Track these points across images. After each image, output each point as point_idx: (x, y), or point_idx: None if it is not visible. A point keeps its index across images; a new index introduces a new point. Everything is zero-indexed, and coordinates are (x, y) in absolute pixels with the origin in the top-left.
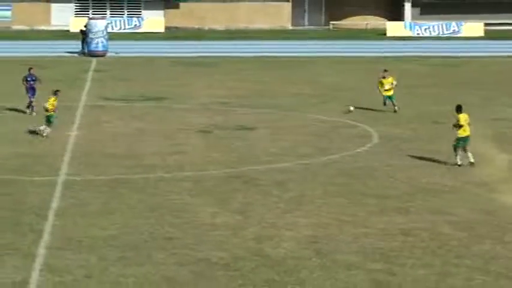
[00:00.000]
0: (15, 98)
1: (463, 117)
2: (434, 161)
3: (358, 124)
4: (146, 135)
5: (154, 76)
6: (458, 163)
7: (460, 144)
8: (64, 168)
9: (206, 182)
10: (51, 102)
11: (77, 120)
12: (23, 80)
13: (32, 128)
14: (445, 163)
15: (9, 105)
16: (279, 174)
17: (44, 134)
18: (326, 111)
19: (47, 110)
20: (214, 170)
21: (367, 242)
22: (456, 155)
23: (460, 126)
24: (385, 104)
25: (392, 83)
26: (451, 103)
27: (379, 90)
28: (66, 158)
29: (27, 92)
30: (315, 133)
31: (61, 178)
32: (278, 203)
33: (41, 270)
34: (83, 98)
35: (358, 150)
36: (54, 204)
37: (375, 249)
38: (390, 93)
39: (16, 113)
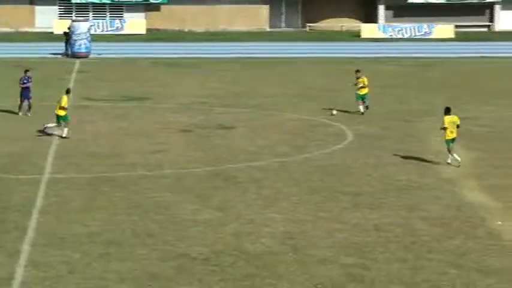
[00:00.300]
0: (1, 98)
1: (448, 120)
2: (406, 158)
3: (333, 123)
4: (128, 135)
5: (136, 77)
6: (448, 161)
7: (450, 145)
8: (48, 167)
9: (187, 179)
10: (65, 101)
11: None
12: (20, 82)
13: (49, 131)
14: (416, 161)
15: None
16: (257, 172)
17: (64, 135)
18: (302, 111)
19: (63, 109)
20: (195, 168)
21: (342, 237)
22: (450, 155)
23: (444, 129)
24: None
25: (364, 83)
26: (421, 102)
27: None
28: (50, 157)
29: (22, 93)
30: (291, 132)
31: (45, 176)
32: (256, 200)
33: (25, 266)
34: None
35: (334, 148)
36: (38, 202)
37: (349, 244)
38: (364, 91)
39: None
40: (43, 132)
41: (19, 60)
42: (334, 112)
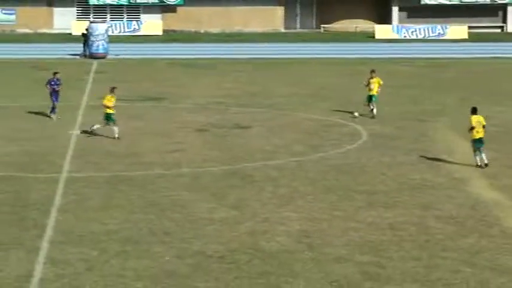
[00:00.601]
0: (21, 98)
1: (475, 119)
2: (420, 158)
3: (348, 123)
4: (145, 134)
5: (153, 77)
6: (478, 163)
7: (476, 145)
8: (66, 166)
9: (203, 178)
10: (108, 99)
11: (79, 119)
12: (47, 84)
13: (92, 129)
14: (430, 160)
15: (15, 105)
16: (272, 170)
17: (116, 135)
18: (317, 111)
19: (108, 107)
20: (211, 166)
21: (357, 236)
22: (475, 156)
23: (472, 128)
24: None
25: (379, 84)
26: (434, 103)
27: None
28: (69, 155)
29: (51, 96)
30: (307, 131)
31: (63, 175)
32: (272, 199)
33: (44, 264)
34: (85, 98)
35: (348, 147)
36: (57, 200)
37: (365, 243)
38: (373, 92)
39: (19, 112)
40: (90, 133)
41: (36, 61)
42: (356, 114)
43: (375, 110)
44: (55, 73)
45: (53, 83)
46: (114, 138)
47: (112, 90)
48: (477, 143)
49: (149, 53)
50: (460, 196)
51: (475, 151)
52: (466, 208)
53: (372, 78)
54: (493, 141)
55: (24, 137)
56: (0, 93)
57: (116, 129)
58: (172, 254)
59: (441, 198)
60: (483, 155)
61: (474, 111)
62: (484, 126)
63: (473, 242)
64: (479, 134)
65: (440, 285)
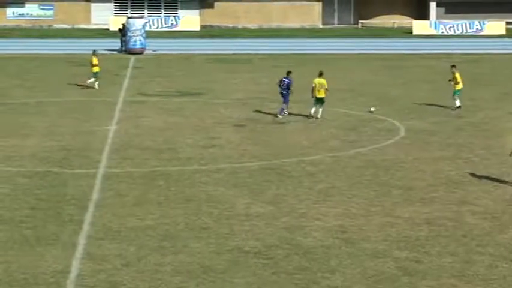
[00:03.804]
0: (58, 94)
1: None
2: (457, 153)
3: (386, 118)
4: (182, 129)
5: (190, 73)
6: None
7: None
8: (103, 161)
9: (240, 173)
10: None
11: (116, 114)
12: (280, 83)
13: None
14: (467, 155)
15: (52, 100)
16: (310, 166)
17: (318, 116)
18: (354, 106)
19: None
20: (248, 162)
21: (394, 231)
22: None
23: None
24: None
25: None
26: (471, 98)
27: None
28: (106, 151)
29: (282, 94)
30: (344, 127)
31: (101, 170)
32: (309, 194)
33: (81, 259)
34: (122, 93)
35: (386, 143)
36: (94, 195)
37: (402, 238)
38: (458, 87)
39: (56, 107)
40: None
41: (73, 56)
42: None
43: (458, 102)
44: (288, 72)
45: (285, 81)
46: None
47: (320, 74)
48: None
49: (187, 49)
50: (497, 191)
51: None
52: (503, 203)
53: (454, 73)
54: None
55: (62, 132)
56: (38, 88)
57: (320, 110)
58: (210, 249)
59: (477, 194)
60: None
61: None
62: None
63: (510, 237)
64: None
65: (477, 280)
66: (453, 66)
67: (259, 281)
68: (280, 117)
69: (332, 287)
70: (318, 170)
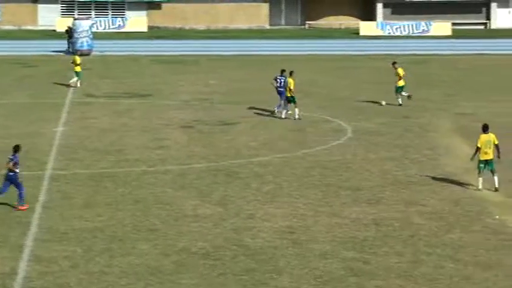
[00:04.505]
0: (5, 95)
1: (483, 139)
2: (404, 154)
3: (333, 119)
4: (130, 131)
5: (138, 74)
6: (479, 187)
7: (481, 167)
8: (51, 163)
9: (188, 175)
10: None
11: (63, 116)
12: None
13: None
14: (414, 156)
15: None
16: (258, 167)
17: (296, 117)
18: (302, 107)
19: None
20: (196, 163)
21: (341, 232)
22: (478, 177)
23: (477, 149)
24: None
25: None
26: (418, 99)
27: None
28: (53, 153)
29: (278, 92)
30: (292, 128)
31: (48, 172)
32: (257, 195)
33: (28, 261)
34: (69, 95)
35: (333, 144)
36: (41, 197)
37: (349, 239)
38: (400, 83)
39: (3, 109)
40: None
41: (21, 57)
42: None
43: (401, 100)
44: (283, 71)
45: (279, 79)
46: (295, 118)
47: (291, 73)
48: (484, 164)
49: (134, 50)
50: (444, 192)
51: (479, 172)
52: (450, 204)
53: (396, 69)
54: (477, 137)
55: (9, 134)
56: None
57: (297, 110)
58: (158, 251)
59: (425, 194)
60: (495, 178)
61: (484, 129)
62: (497, 146)
63: (457, 237)
64: (487, 155)
65: (424, 280)
66: (394, 63)
67: (207, 282)
68: (280, 113)
69: None
70: (266, 171)
